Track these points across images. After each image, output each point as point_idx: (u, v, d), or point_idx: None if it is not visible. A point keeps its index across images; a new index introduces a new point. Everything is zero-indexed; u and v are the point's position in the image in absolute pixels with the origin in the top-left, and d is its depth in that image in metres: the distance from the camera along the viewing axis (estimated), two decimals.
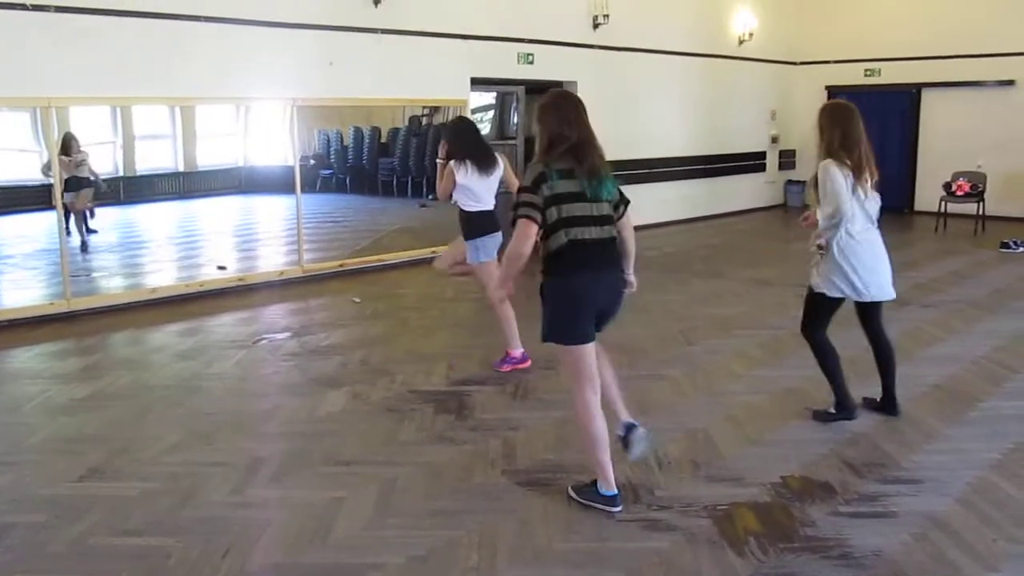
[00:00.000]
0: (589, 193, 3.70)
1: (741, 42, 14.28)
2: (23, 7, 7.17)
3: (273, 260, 10.24)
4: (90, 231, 9.88)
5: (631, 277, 4.04)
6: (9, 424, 5.14)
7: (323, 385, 5.72)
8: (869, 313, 5.00)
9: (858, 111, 4.78)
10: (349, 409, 5.29)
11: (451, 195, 5.88)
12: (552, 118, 3.75)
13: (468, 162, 5.77)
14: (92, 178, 9.61)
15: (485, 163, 5.83)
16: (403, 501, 4.03)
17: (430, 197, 12.91)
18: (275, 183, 11.16)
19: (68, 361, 6.57)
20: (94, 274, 9.39)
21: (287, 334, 7.06)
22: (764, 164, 15.46)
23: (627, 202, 3.96)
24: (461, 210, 5.93)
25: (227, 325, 7.57)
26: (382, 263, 9.86)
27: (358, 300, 8.05)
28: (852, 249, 4.70)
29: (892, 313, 7.55)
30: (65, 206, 8.93)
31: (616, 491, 3.90)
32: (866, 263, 4.73)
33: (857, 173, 4.69)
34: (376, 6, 9.42)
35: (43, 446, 4.76)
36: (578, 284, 3.74)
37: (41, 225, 10.16)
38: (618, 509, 3.88)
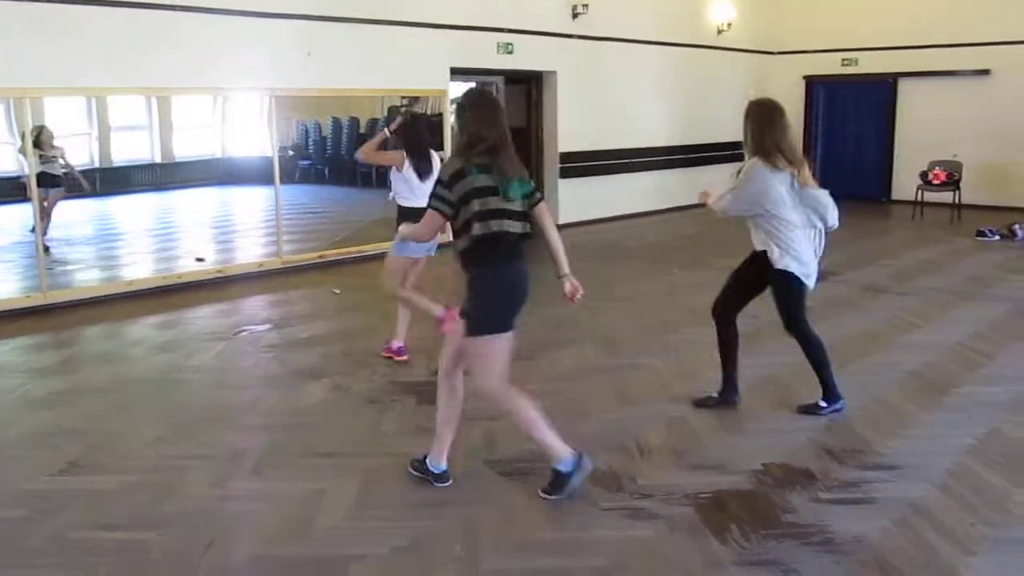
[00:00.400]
0: (501, 190, 3.76)
1: (720, 32, 14.30)
2: None
3: (252, 251, 10.20)
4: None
5: (569, 276, 4.02)
6: None
7: (304, 377, 5.70)
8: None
9: (783, 108, 4.86)
10: (330, 401, 5.27)
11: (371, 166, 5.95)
12: (471, 118, 3.82)
13: (411, 161, 5.79)
14: (64, 174, 9.41)
15: (425, 168, 5.83)
16: (385, 492, 4.02)
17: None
18: (253, 174, 11.07)
19: (45, 355, 6.50)
20: (70, 267, 9.29)
21: (267, 326, 7.03)
22: (742, 154, 15.38)
23: (540, 195, 4.01)
24: (399, 206, 5.93)
25: (206, 317, 7.52)
26: (362, 254, 9.81)
27: (338, 291, 8.02)
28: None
29: (869, 301, 7.65)
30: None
31: (570, 465, 3.91)
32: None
33: (796, 167, 4.74)
34: None
35: (21, 440, 4.72)
36: (512, 273, 3.85)
37: (15, 217, 10.07)
38: (588, 470, 3.96)
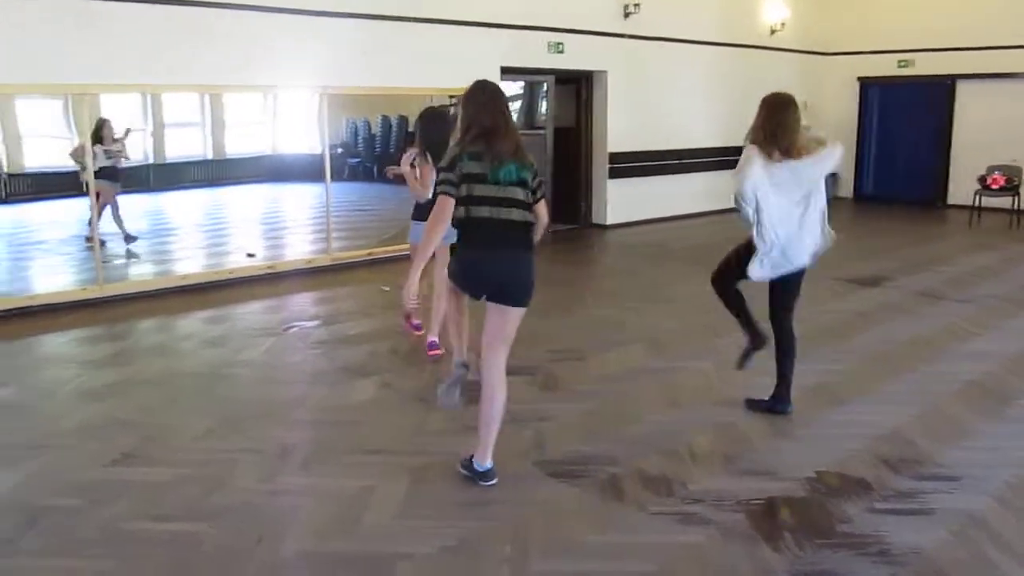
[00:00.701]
0: (490, 176, 3.87)
1: (773, 32, 14.11)
2: None
3: (301, 248, 10.27)
4: (129, 237, 9.80)
5: None
6: (44, 408, 5.18)
7: (352, 374, 5.72)
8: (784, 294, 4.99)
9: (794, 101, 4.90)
10: (378, 398, 5.28)
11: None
12: (470, 105, 3.98)
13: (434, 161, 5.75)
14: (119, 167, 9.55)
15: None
16: (433, 491, 4.02)
17: None
18: (303, 171, 11.17)
19: (100, 347, 6.61)
20: (127, 260, 9.44)
21: (316, 322, 7.07)
22: None
23: (542, 193, 4.07)
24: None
25: (256, 313, 7.59)
26: (407, 252, 9.83)
27: (387, 288, 8.03)
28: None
29: (925, 308, 7.48)
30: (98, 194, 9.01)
31: (462, 360, 4.23)
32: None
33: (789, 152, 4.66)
34: None
35: (76, 431, 4.79)
36: (472, 257, 3.98)
37: (73, 211, 10.28)
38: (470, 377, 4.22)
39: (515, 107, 11.90)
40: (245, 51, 8.34)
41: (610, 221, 12.19)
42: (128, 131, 9.79)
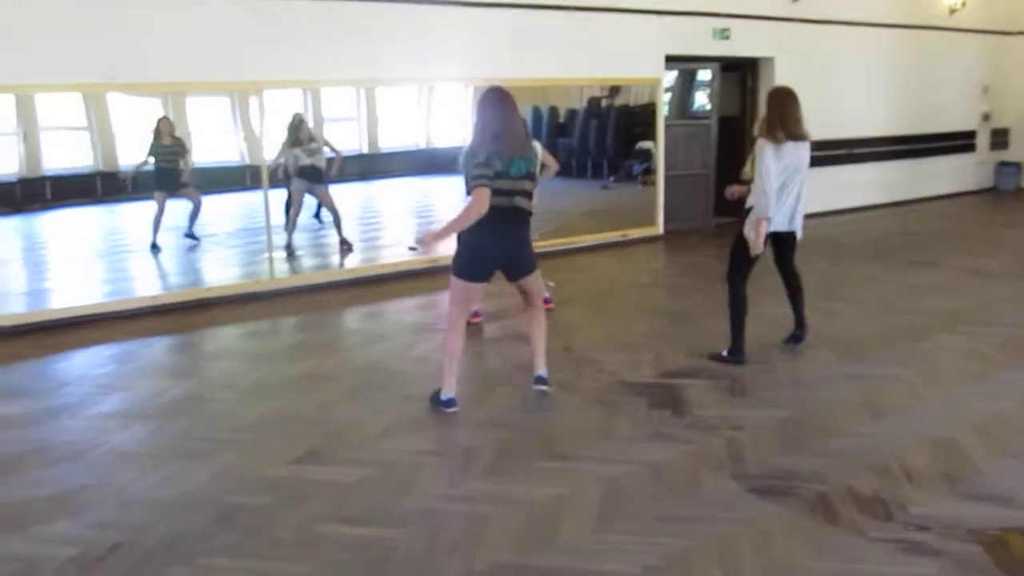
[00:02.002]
0: (504, 171, 4.51)
1: (952, 11, 13.16)
2: None
3: None
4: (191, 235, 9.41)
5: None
6: (226, 401, 5.24)
7: (527, 373, 5.50)
8: (780, 252, 5.89)
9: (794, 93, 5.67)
10: (557, 400, 5.07)
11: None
12: (483, 111, 4.62)
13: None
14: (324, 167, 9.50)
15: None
16: (629, 503, 3.78)
17: (611, 179, 12.64)
18: (455, 165, 11.12)
19: (275, 340, 6.70)
20: (287, 255, 9.59)
21: (483, 318, 6.93)
22: (973, 144, 14.25)
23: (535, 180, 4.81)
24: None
25: (422, 307, 7.56)
26: (571, 246, 9.66)
27: (552, 284, 7.83)
28: None
29: None
30: (290, 193, 9.18)
31: (453, 396, 4.86)
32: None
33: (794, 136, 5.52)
34: None
35: (259, 425, 4.80)
36: (480, 240, 4.58)
37: (239, 204, 10.55)
38: (454, 410, 4.83)
39: (666, 98, 11.43)
40: (402, 45, 8.35)
41: None
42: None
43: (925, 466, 4.11)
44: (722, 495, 3.85)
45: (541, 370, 5.00)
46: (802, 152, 5.61)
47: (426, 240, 4.56)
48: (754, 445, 4.36)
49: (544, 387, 4.97)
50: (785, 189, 5.57)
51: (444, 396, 4.88)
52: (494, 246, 4.64)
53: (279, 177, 9.24)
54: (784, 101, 5.58)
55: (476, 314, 6.59)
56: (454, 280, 4.78)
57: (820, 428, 4.58)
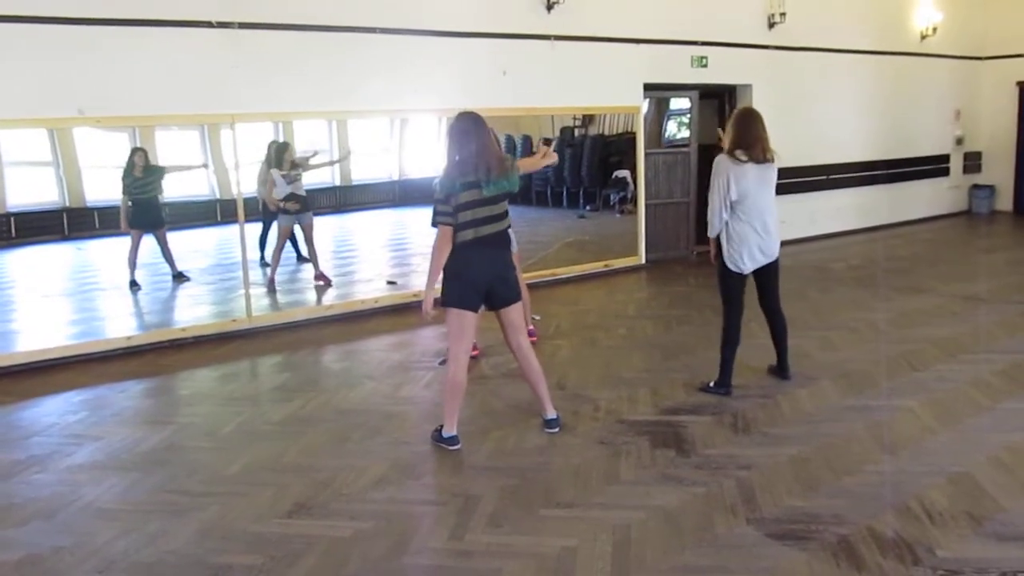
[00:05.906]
0: (482, 193, 4.55)
1: (924, 37, 13.25)
2: (209, 24, 7.18)
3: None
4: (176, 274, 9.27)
5: None
6: (207, 450, 4.96)
7: (523, 412, 5.32)
8: (763, 287, 5.70)
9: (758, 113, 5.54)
10: (557, 441, 4.87)
11: None
12: (455, 137, 4.61)
13: None
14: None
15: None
16: (643, 554, 3.57)
17: (587, 208, 12.53)
18: (429, 196, 10.94)
19: (256, 382, 6.44)
20: (265, 291, 9.33)
21: (480, 352, 6.69)
22: (947, 168, 14.31)
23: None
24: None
25: (405, 344, 7.32)
26: (555, 277, 9.49)
27: (537, 317, 7.65)
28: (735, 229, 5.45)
29: None
30: (279, 229, 8.96)
31: (455, 433, 4.78)
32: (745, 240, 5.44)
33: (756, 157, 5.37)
34: (548, 12, 9.08)
35: (244, 476, 4.54)
36: (462, 265, 4.61)
37: (211, 239, 10.29)
38: (457, 447, 4.74)
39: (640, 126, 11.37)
40: (380, 75, 8.17)
41: None
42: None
43: (945, 504, 3.95)
44: (740, 542, 3.65)
45: (550, 413, 5.00)
46: (768, 174, 5.46)
47: (425, 308, 4.72)
48: (766, 486, 4.17)
49: (555, 430, 4.95)
50: (749, 216, 5.40)
51: (446, 433, 4.80)
52: (478, 270, 4.65)
53: (259, 211, 9.04)
54: (748, 122, 5.44)
55: (474, 347, 6.34)
56: (448, 313, 4.72)
57: (831, 465, 4.41)
